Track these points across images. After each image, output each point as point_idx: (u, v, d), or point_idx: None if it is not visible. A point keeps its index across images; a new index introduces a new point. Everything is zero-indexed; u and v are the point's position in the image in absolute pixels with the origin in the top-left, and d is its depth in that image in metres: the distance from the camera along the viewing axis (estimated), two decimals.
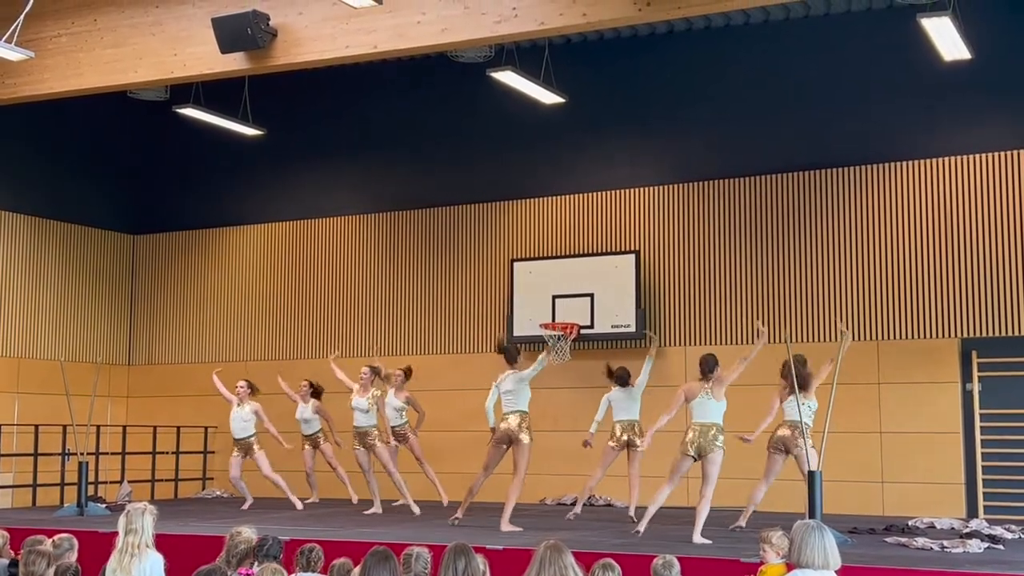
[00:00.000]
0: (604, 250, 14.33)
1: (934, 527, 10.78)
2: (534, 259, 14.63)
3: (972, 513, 11.98)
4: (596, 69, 14.55)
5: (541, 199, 14.87)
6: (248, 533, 6.57)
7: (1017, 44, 12.53)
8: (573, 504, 13.33)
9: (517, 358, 10.48)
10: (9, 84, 12.15)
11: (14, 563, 6.80)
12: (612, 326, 13.84)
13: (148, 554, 6.01)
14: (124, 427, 16.02)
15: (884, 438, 12.70)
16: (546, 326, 13.64)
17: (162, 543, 6.37)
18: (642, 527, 9.71)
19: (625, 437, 11.41)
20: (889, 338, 12.84)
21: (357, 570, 5.60)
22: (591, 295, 13.96)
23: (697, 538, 9.17)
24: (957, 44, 11.18)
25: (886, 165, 13.10)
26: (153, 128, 17.30)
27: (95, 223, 17.02)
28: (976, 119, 12.76)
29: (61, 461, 14.64)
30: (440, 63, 14.56)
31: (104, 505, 12.92)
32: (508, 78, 12.87)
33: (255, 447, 13.04)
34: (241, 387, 13.11)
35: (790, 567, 5.34)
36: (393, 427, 12.90)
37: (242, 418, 13.02)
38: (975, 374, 12.42)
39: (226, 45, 10.72)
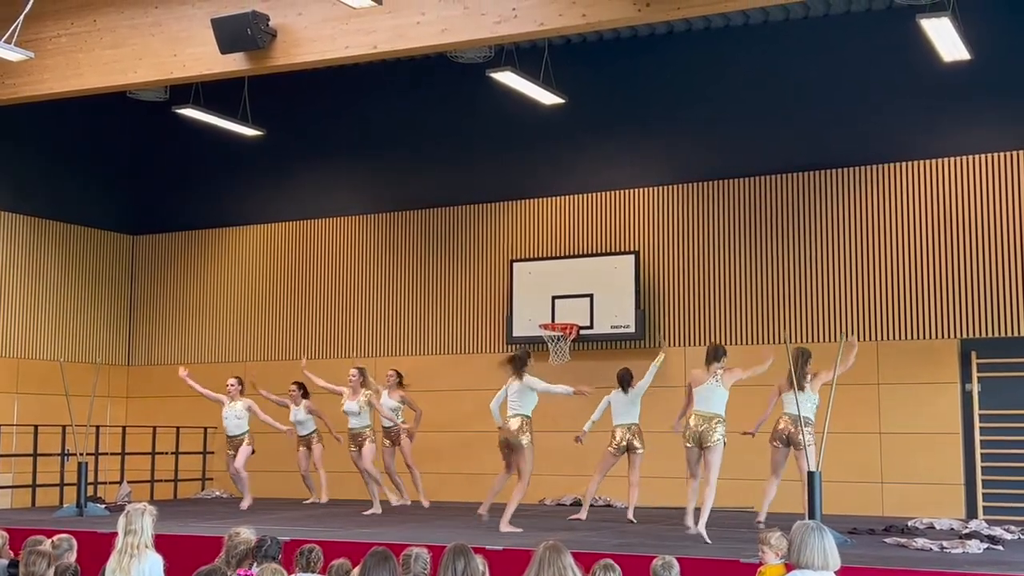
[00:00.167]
0: (604, 251, 14.33)
1: (933, 528, 10.78)
2: (534, 259, 14.63)
3: (971, 514, 11.97)
4: (596, 70, 14.55)
5: (541, 199, 14.87)
6: (247, 534, 6.57)
7: (1016, 45, 12.53)
8: (573, 504, 13.35)
9: (523, 371, 10.35)
10: (9, 84, 12.15)
11: (14, 563, 6.80)
12: (612, 327, 13.84)
13: (147, 555, 6.01)
14: (123, 427, 16.02)
15: (883, 439, 12.70)
16: (546, 327, 13.69)
17: (161, 544, 6.37)
18: (703, 529, 9.42)
19: (624, 442, 11.40)
20: (889, 339, 12.84)
21: (356, 571, 5.60)
22: (591, 296, 13.95)
23: (701, 528, 9.21)
24: (956, 45, 11.19)
25: (886, 166, 13.10)
26: (153, 128, 17.30)
27: (94, 223, 17.02)
28: (975, 120, 12.76)
29: (60, 461, 14.64)
30: (440, 63, 14.56)
31: (103, 505, 12.91)
32: (508, 78, 12.88)
33: (245, 445, 12.92)
34: (232, 384, 13.02)
35: (789, 568, 5.34)
36: (386, 428, 12.88)
37: (235, 415, 12.89)
38: (975, 375, 12.42)
39: (226, 46, 10.72)
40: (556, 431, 12.59)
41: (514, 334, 14.33)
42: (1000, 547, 9.13)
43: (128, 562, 5.95)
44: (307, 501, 13.66)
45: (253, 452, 13.09)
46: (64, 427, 14.24)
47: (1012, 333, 12.27)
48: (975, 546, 8.79)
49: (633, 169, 14.46)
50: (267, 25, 10.63)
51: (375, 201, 16.00)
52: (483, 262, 15.11)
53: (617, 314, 13.82)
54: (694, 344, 13.69)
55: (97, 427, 15.04)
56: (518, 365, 10.40)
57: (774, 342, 12.96)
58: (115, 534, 6.11)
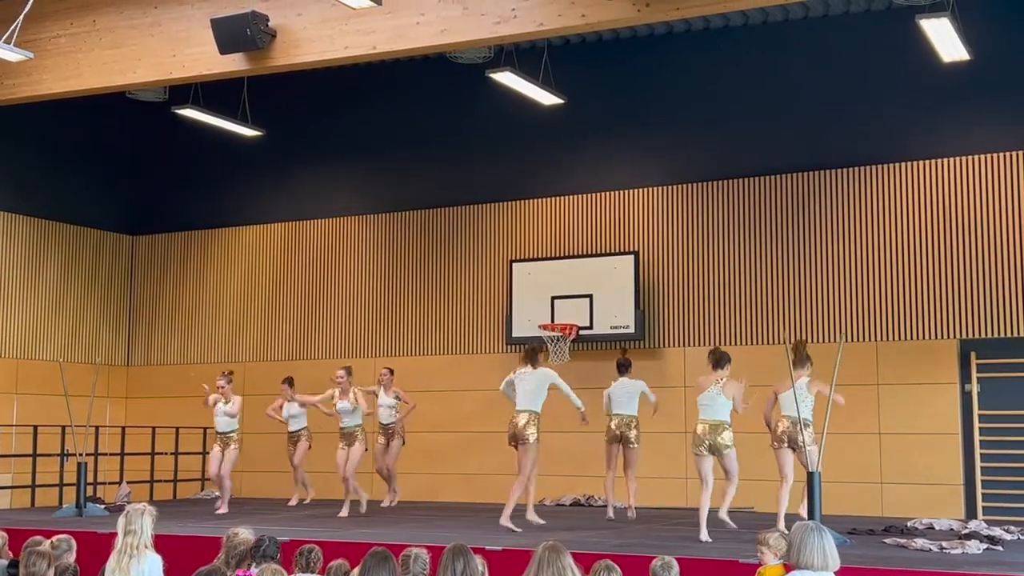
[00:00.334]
0: (603, 251, 14.33)
1: (933, 528, 10.78)
2: (533, 260, 14.63)
3: (971, 514, 11.98)
4: (595, 70, 14.56)
5: (540, 200, 14.87)
6: (245, 534, 6.57)
7: (1016, 45, 12.54)
8: (572, 505, 13.36)
9: (536, 359, 10.44)
10: (8, 85, 12.15)
11: (13, 564, 6.80)
12: (611, 327, 13.83)
13: (147, 555, 6.01)
14: (123, 428, 16.01)
15: (883, 439, 12.70)
16: (545, 327, 13.68)
17: (161, 544, 6.36)
18: (726, 515, 9.63)
19: (619, 432, 11.35)
20: (888, 339, 12.84)
21: (356, 571, 5.60)
22: (590, 296, 13.95)
23: (723, 515, 9.56)
24: (956, 45, 11.19)
25: (885, 166, 13.10)
26: (152, 129, 17.30)
27: (94, 224, 17.02)
28: (975, 120, 12.76)
29: (60, 462, 14.63)
30: (439, 64, 14.57)
31: (103, 506, 12.91)
32: (507, 79, 12.88)
33: (232, 444, 12.80)
34: (222, 385, 12.92)
35: (788, 568, 5.34)
36: (384, 424, 12.84)
37: (226, 413, 12.82)
38: (974, 375, 12.43)
39: (225, 46, 10.72)
40: (556, 432, 12.58)
41: (514, 334, 14.33)
42: (999, 547, 9.13)
43: (127, 562, 5.94)
44: (291, 502, 13.53)
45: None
46: (63, 427, 14.24)
47: (1011, 333, 12.27)
48: (974, 546, 8.79)
49: (632, 169, 14.47)
50: (266, 25, 10.63)
51: (374, 201, 16.00)
52: (483, 262, 15.11)
53: (617, 314, 13.82)
54: (694, 345, 13.69)
55: (96, 427, 15.03)
56: (532, 356, 10.47)
57: (774, 342, 12.97)
58: (114, 534, 6.11)
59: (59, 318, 16.32)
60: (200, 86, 14.43)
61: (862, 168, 13.20)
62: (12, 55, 10.77)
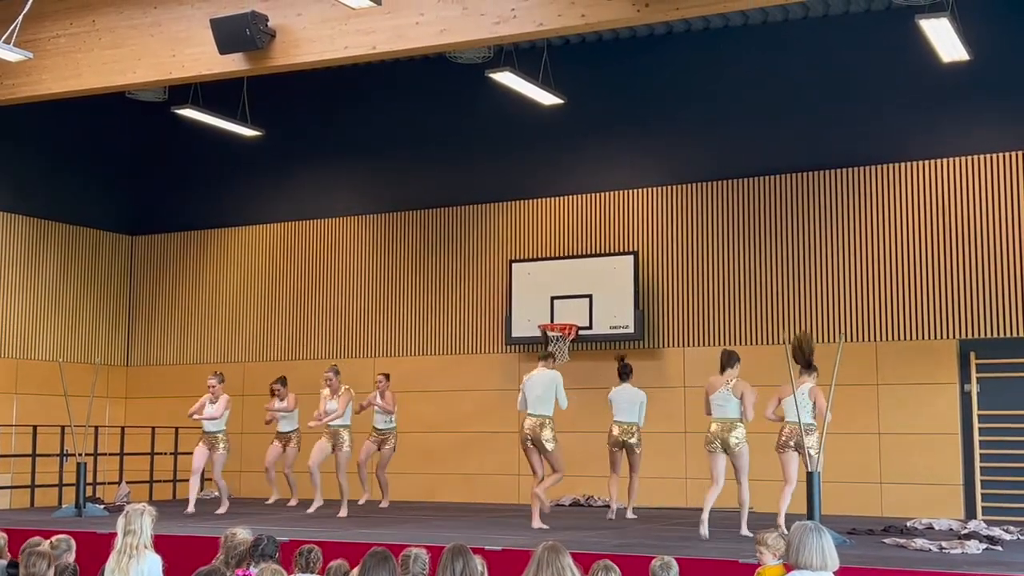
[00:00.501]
0: (603, 251, 14.33)
1: (932, 528, 10.78)
2: (533, 260, 14.63)
3: (970, 514, 11.98)
4: (595, 70, 14.56)
5: (540, 200, 14.87)
6: (244, 534, 6.57)
7: (1015, 45, 12.54)
8: (571, 505, 13.36)
9: (549, 358, 10.78)
10: (7, 85, 12.15)
11: (13, 564, 6.80)
12: (611, 327, 13.83)
13: (146, 555, 6.00)
14: (122, 428, 16.01)
15: (882, 439, 12.70)
16: (545, 327, 13.67)
17: (160, 544, 6.36)
18: (745, 531, 9.54)
19: (622, 439, 11.39)
20: (887, 339, 12.84)
21: (356, 571, 5.60)
22: (590, 296, 13.95)
23: (744, 531, 9.37)
24: (955, 45, 11.19)
25: (885, 166, 13.10)
26: (151, 129, 17.31)
27: (93, 224, 17.02)
28: (974, 120, 12.76)
29: (59, 462, 14.63)
30: (439, 64, 14.57)
31: (102, 506, 12.90)
32: (507, 79, 12.88)
33: (220, 445, 12.71)
34: (212, 384, 12.84)
35: (788, 568, 5.34)
36: (380, 429, 12.82)
37: (209, 414, 12.73)
38: (973, 375, 12.43)
39: (225, 46, 10.71)
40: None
41: (513, 335, 14.33)
42: (999, 547, 9.13)
43: (127, 562, 5.94)
44: (269, 501, 13.40)
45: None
46: (63, 427, 14.24)
47: (1011, 334, 12.27)
48: (974, 546, 8.79)
49: (632, 169, 14.46)
50: (266, 25, 10.63)
51: (374, 201, 16.00)
52: (482, 263, 15.11)
53: (616, 314, 13.82)
54: (694, 345, 13.70)
55: (96, 427, 15.03)
56: (548, 356, 10.84)
57: (773, 342, 12.96)
58: (114, 534, 6.11)
59: (58, 318, 16.32)
60: (200, 86, 14.43)
61: (862, 168, 13.20)
62: (11, 55, 10.77)
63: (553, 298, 14.12)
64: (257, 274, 16.68)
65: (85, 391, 13.28)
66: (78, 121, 16.23)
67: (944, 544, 8.90)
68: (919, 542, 9.11)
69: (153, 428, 15.96)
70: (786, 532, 5.83)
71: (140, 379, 17.26)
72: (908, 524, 10.75)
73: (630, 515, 11.46)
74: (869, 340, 12.86)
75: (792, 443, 9.82)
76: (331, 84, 15.80)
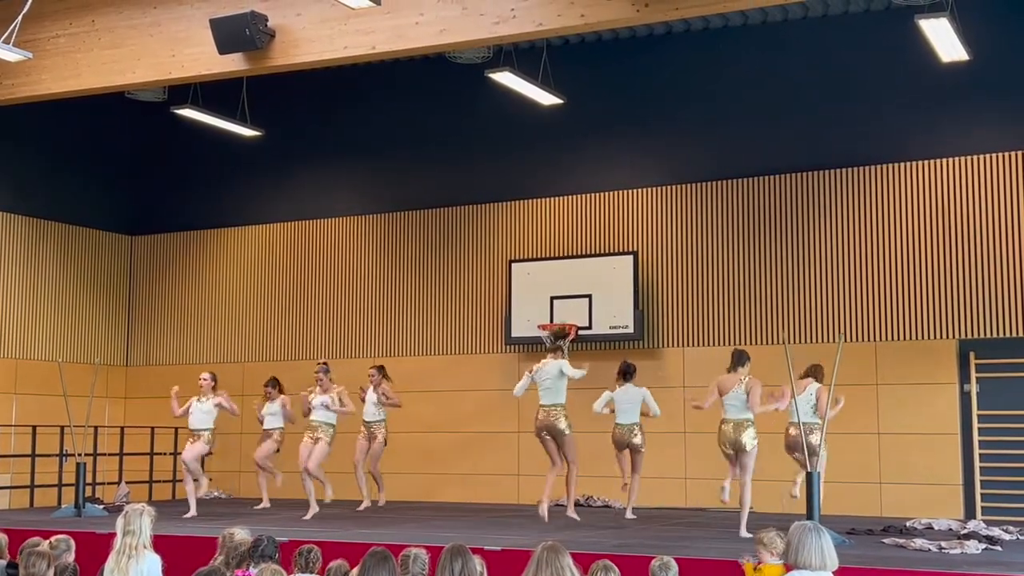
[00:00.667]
0: (602, 251, 14.33)
1: (932, 528, 10.78)
2: (532, 260, 14.63)
3: (970, 514, 11.98)
4: (594, 70, 14.56)
5: (539, 200, 14.87)
6: (242, 534, 6.57)
7: (1015, 45, 12.54)
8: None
9: (558, 351, 10.96)
10: (7, 85, 12.15)
11: (12, 564, 6.80)
12: (610, 327, 13.83)
13: (145, 555, 6.01)
14: (122, 428, 16.01)
15: (882, 439, 12.70)
16: (544, 327, 13.67)
17: (160, 544, 6.36)
18: (744, 533, 9.55)
19: (624, 440, 11.43)
20: (887, 339, 12.84)
21: (355, 571, 5.60)
22: (589, 296, 13.95)
23: (743, 533, 9.37)
24: (955, 45, 11.19)
25: (884, 166, 13.10)
26: (151, 129, 17.30)
27: (93, 224, 17.01)
28: (974, 120, 12.76)
29: (59, 462, 14.63)
30: (439, 64, 14.57)
31: (102, 506, 12.90)
32: (506, 79, 12.88)
33: (203, 443, 12.62)
34: (205, 379, 12.80)
35: (788, 568, 5.34)
36: (368, 422, 12.76)
37: (201, 410, 12.51)
38: (973, 375, 12.43)
39: (224, 46, 10.71)
40: None
41: (513, 335, 14.33)
42: (998, 547, 9.13)
43: (126, 563, 5.94)
44: (258, 506, 13.33)
45: (210, 454, 12.86)
46: (62, 427, 14.23)
47: (1010, 334, 12.27)
48: (973, 546, 8.79)
49: (632, 169, 14.46)
50: (265, 25, 10.63)
51: (373, 202, 15.99)
52: (482, 263, 15.11)
53: (616, 314, 13.82)
54: (693, 345, 13.70)
55: (95, 427, 15.03)
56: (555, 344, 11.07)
57: (773, 342, 12.96)
58: (113, 535, 6.11)
59: (58, 318, 16.31)
60: (199, 86, 14.42)
61: (861, 168, 13.20)
62: (11, 55, 10.77)
63: (553, 298, 14.12)
64: (257, 274, 16.67)
65: (84, 391, 13.28)
66: (78, 121, 16.23)
67: (943, 544, 8.90)
68: (918, 542, 9.11)
69: (152, 428, 15.96)
70: (782, 533, 5.85)
71: (139, 379, 17.26)
72: (907, 524, 10.75)
73: (630, 515, 11.47)
74: (869, 340, 12.86)
75: (799, 444, 9.81)
76: (331, 84, 15.80)
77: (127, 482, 15.34)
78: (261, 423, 13.06)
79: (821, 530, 5.27)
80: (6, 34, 10.67)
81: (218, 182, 17.14)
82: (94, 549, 8.02)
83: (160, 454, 15.89)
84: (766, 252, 13.54)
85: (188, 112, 14.71)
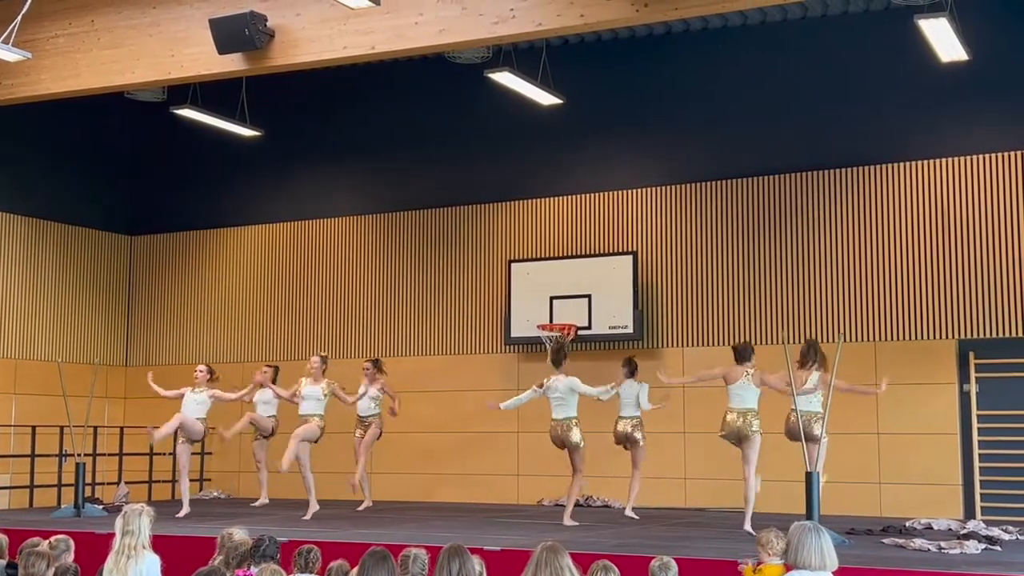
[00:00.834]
0: (602, 251, 14.33)
1: (931, 528, 10.78)
2: (532, 260, 14.62)
3: (969, 514, 11.97)
4: (594, 70, 14.55)
5: (539, 200, 14.86)
6: (241, 534, 6.57)
7: (1015, 45, 12.54)
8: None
9: (562, 361, 10.89)
10: (6, 85, 12.15)
11: (12, 564, 6.80)
12: (610, 327, 13.82)
13: (145, 555, 6.01)
14: (121, 428, 15.99)
15: (881, 439, 12.70)
16: (544, 327, 13.68)
17: (159, 544, 6.36)
18: (749, 527, 9.63)
19: (624, 434, 11.43)
20: (886, 339, 12.84)
21: (355, 571, 5.61)
22: (589, 296, 13.94)
23: (747, 527, 9.43)
24: (954, 45, 11.19)
25: (884, 166, 13.10)
26: (150, 129, 17.30)
27: (92, 224, 17.01)
28: (974, 120, 12.76)
29: (58, 462, 14.62)
30: (438, 64, 14.56)
31: (101, 506, 12.90)
32: (506, 79, 12.88)
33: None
34: (200, 371, 12.77)
35: (788, 568, 5.35)
36: (363, 416, 12.72)
37: (195, 401, 12.60)
38: (972, 375, 12.43)
39: (223, 46, 10.71)
40: None
41: (512, 335, 14.32)
42: (998, 547, 9.13)
43: (125, 563, 5.94)
44: (256, 503, 13.33)
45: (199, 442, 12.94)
46: (62, 428, 14.23)
47: (1010, 334, 12.27)
48: (973, 546, 8.79)
49: (631, 169, 14.46)
50: (265, 25, 10.63)
51: (373, 201, 15.99)
52: (481, 263, 15.11)
53: (615, 315, 13.82)
54: (693, 344, 13.70)
55: (95, 428, 15.01)
56: (558, 358, 10.91)
57: (773, 342, 12.95)
58: (112, 535, 6.11)
59: (57, 318, 16.31)
60: (199, 86, 14.42)
61: (861, 168, 13.20)
62: (10, 55, 10.77)
63: (552, 298, 14.11)
64: (256, 274, 16.67)
65: (84, 391, 13.27)
66: (77, 121, 16.22)
67: (943, 544, 8.90)
68: (918, 542, 9.11)
69: (152, 428, 15.92)
70: (782, 534, 5.86)
71: (139, 379, 17.14)
72: (907, 524, 10.75)
73: (630, 514, 11.46)
74: (868, 340, 12.86)
75: (797, 431, 9.80)
76: (330, 84, 15.80)
77: (126, 482, 15.32)
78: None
79: (821, 530, 5.28)
80: (5, 34, 10.67)
81: (218, 182, 17.14)
82: (93, 549, 8.01)
83: (160, 454, 15.86)
84: (766, 252, 13.54)
85: (187, 112, 14.71)
